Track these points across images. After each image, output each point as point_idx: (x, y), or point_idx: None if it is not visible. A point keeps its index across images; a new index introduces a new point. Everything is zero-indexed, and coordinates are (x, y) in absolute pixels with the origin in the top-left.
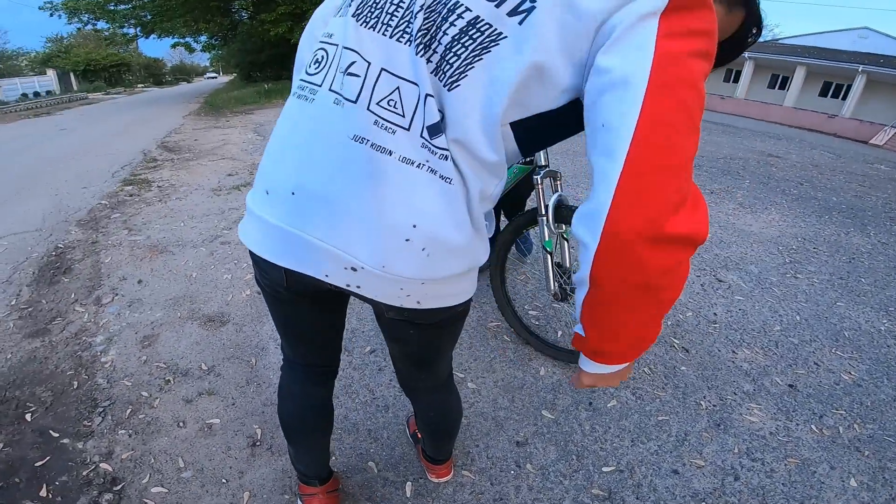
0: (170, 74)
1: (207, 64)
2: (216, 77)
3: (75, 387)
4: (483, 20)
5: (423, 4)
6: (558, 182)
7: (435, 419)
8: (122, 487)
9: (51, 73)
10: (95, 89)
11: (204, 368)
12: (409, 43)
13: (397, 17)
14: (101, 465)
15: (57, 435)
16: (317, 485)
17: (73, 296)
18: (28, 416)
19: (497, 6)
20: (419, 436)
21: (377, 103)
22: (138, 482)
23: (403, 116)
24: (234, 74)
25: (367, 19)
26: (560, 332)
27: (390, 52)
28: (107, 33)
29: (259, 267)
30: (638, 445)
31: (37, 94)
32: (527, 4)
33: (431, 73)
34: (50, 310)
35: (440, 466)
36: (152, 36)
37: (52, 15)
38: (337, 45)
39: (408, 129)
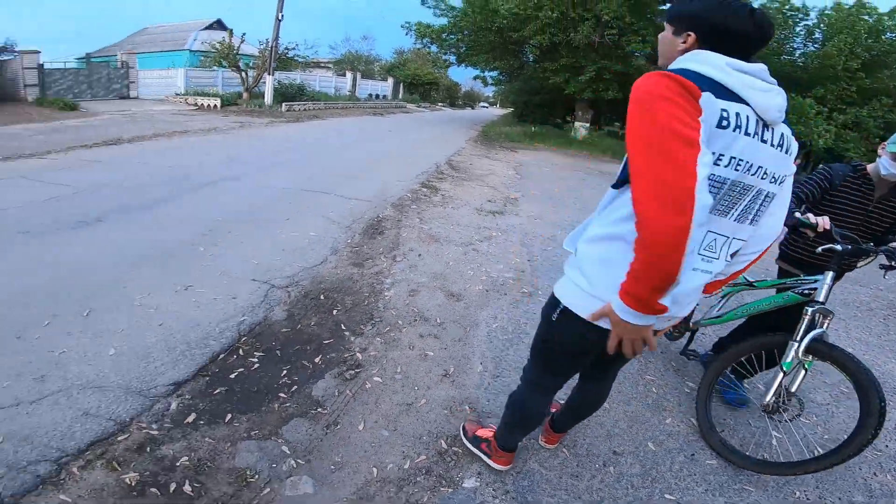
0: (461, 98)
1: (490, 95)
2: (487, 108)
3: (365, 304)
4: (772, 193)
5: (753, 195)
6: (827, 321)
7: (586, 400)
8: (359, 371)
9: (390, 80)
10: (412, 101)
11: (437, 321)
12: (737, 220)
13: (739, 206)
14: (356, 353)
15: (344, 328)
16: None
17: (380, 249)
18: (334, 311)
19: (780, 184)
20: (553, 410)
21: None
22: (369, 371)
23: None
24: (509, 109)
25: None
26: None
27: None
28: (431, 55)
29: (595, 332)
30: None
31: (377, 97)
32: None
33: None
34: (366, 253)
35: (556, 435)
36: (462, 65)
37: (406, 34)
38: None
39: (717, 259)
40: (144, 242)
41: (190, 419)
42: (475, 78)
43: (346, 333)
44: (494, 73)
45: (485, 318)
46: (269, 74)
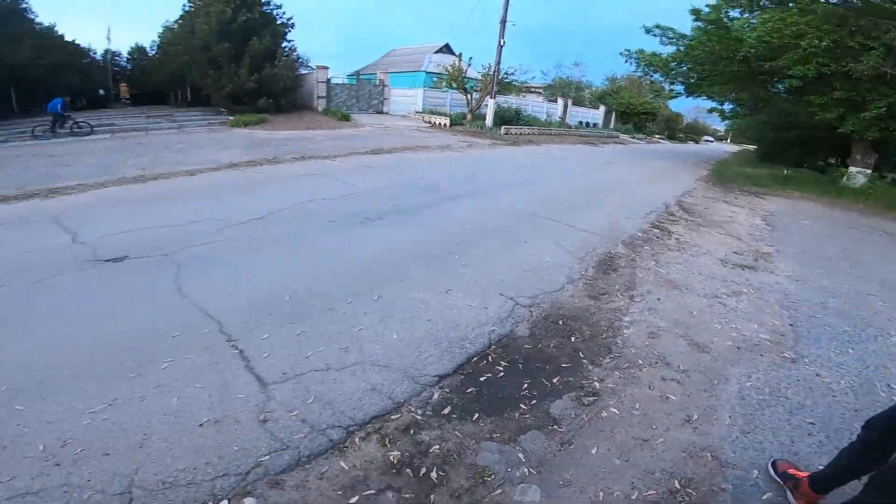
0: (682, 131)
1: (721, 128)
2: (712, 142)
3: (603, 337)
4: None
5: None
6: None
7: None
8: (596, 399)
9: (601, 108)
10: (626, 131)
11: (681, 368)
12: None
13: None
14: (594, 382)
15: (582, 356)
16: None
17: (616, 286)
18: (572, 338)
19: None
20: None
21: None
22: (606, 401)
23: None
24: (746, 145)
25: None
26: None
27: None
28: (649, 83)
29: None
30: None
31: (586, 124)
32: None
33: None
34: (602, 288)
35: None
36: (693, 96)
37: (626, 61)
38: None
39: None
40: (413, 243)
41: (446, 411)
42: (711, 111)
43: (585, 361)
44: (731, 106)
45: (736, 374)
46: (491, 98)
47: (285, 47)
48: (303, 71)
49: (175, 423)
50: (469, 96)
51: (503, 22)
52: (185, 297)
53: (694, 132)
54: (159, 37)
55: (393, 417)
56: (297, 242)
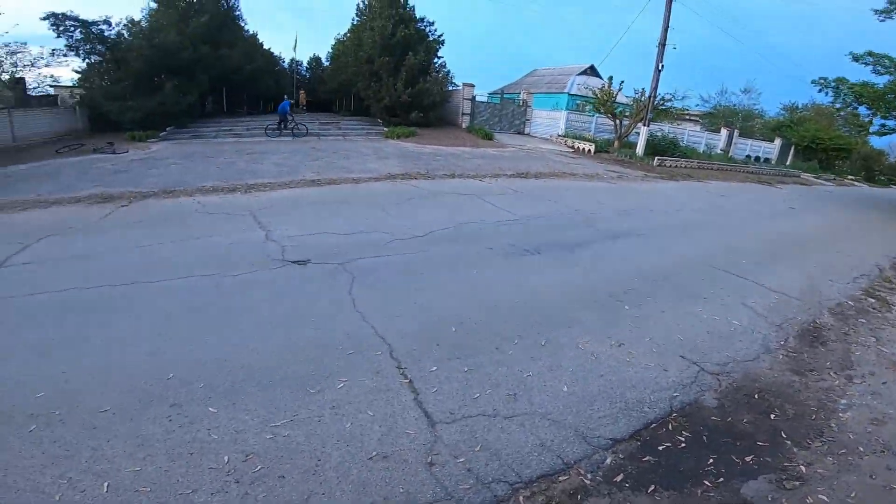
0: (884, 172)
1: None
2: None
3: (813, 418)
4: None
5: None
6: None
7: None
8: (801, 485)
9: (777, 141)
10: (808, 169)
11: None
12: None
13: None
14: (800, 466)
15: (784, 436)
16: None
17: (826, 363)
18: (772, 416)
19: None
20: None
21: None
22: (814, 486)
23: None
24: None
25: None
26: None
27: None
28: (848, 114)
29: None
30: None
31: (756, 159)
32: None
33: None
34: (808, 363)
35: None
36: None
37: (820, 90)
38: None
39: None
40: (577, 285)
41: (618, 479)
42: None
43: (788, 442)
44: None
45: None
46: (643, 125)
47: (436, 63)
48: (450, 87)
49: (346, 452)
50: (618, 122)
51: (662, 45)
52: (359, 311)
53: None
54: (332, 48)
55: (561, 479)
56: (459, 268)
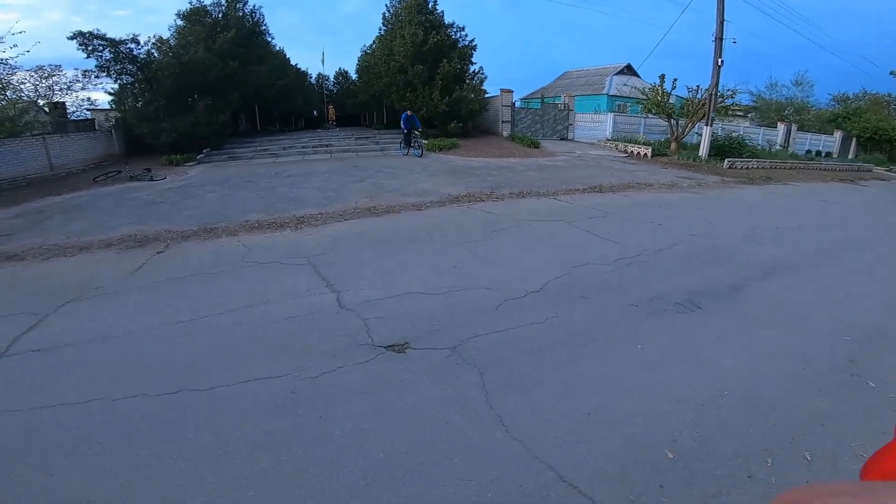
0: None
1: None
2: None
3: None
4: None
5: None
6: None
7: None
8: None
9: (837, 134)
10: (878, 162)
11: None
12: None
13: None
14: None
15: None
16: None
17: None
18: None
19: None
20: None
21: None
22: None
23: None
24: None
25: None
26: None
27: None
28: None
29: None
30: None
31: (818, 154)
32: None
33: None
34: None
35: None
36: None
37: None
38: None
39: None
40: (784, 361)
41: None
42: None
43: None
44: None
45: None
46: (706, 125)
47: (471, 70)
48: (487, 94)
49: None
50: (673, 123)
51: (719, 39)
52: (517, 439)
53: None
54: (359, 61)
55: None
56: (611, 343)
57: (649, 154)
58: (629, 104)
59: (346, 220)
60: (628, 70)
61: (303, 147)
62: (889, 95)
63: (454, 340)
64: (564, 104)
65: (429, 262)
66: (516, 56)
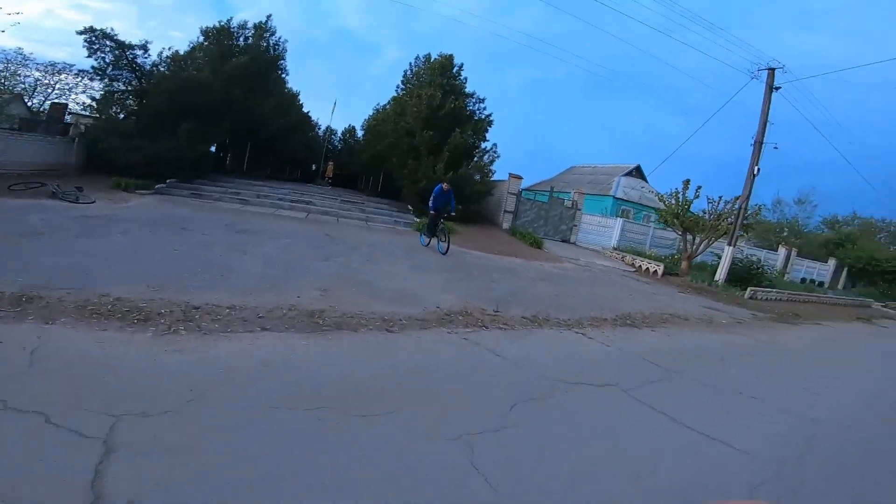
0: None
1: None
2: None
3: None
4: None
5: None
6: None
7: None
8: None
9: (831, 262)
10: (867, 295)
11: None
12: None
13: None
14: None
15: None
16: None
17: None
18: None
19: None
20: None
21: None
22: None
23: None
24: None
25: None
26: None
27: None
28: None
29: None
30: None
31: (812, 282)
32: None
33: None
34: None
35: None
36: None
37: None
38: None
39: None
40: None
41: None
42: None
43: None
44: None
45: None
46: (729, 244)
47: (483, 146)
48: (494, 176)
49: None
50: (691, 238)
51: (759, 143)
52: None
53: None
54: (368, 119)
55: None
56: None
57: (660, 272)
58: (633, 210)
59: (263, 330)
60: (637, 172)
61: (280, 199)
62: (883, 221)
63: None
64: (573, 202)
65: (388, 469)
66: (523, 141)
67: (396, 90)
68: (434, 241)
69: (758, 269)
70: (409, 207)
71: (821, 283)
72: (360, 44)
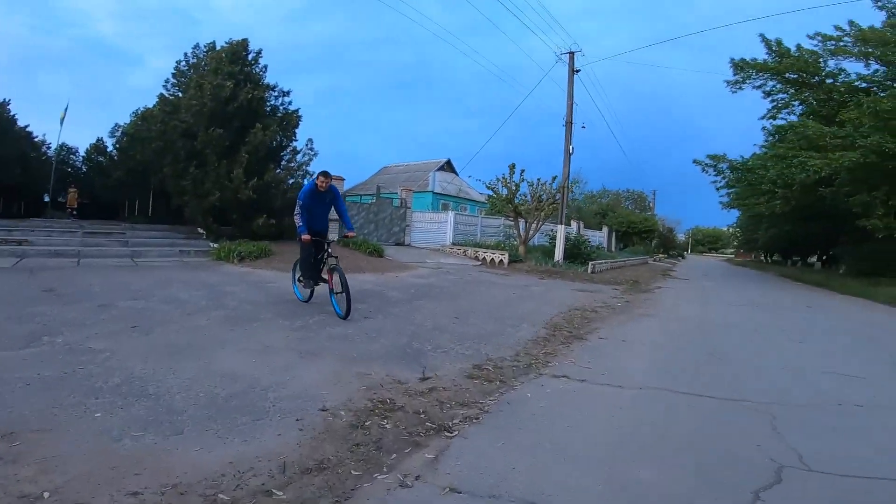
0: (676, 248)
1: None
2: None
3: None
4: None
5: None
6: None
7: None
8: None
9: (604, 229)
10: (635, 252)
11: None
12: None
13: None
14: None
15: None
16: None
17: None
18: None
19: None
20: None
21: None
22: None
23: None
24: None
25: None
26: None
27: None
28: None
29: None
30: None
31: (598, 248)
32: None
33: None
34: None
35: None
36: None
37: (704, 171)
38: None
39: None
40: None
41: None
42: None
43: None
44: None
45: None
46: (560, 224)
47: (296, 145)
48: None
49: None
50: (523, 223)
51: (569, 124)
52: None
53: (674, 247)
54: (125, 125)
55: None
56: None
57: (506, 261)
58: (452, 204)
59: None
60: (448, 166)
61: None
62: (628, 191)
63: None
64: (402, 200)
65: None
66: (322, 149)
67: (165, 87)
68: (320, 290)
69: (586, 244)
70: (200, 230)
71: (602, 247)
72: (116, 53)
